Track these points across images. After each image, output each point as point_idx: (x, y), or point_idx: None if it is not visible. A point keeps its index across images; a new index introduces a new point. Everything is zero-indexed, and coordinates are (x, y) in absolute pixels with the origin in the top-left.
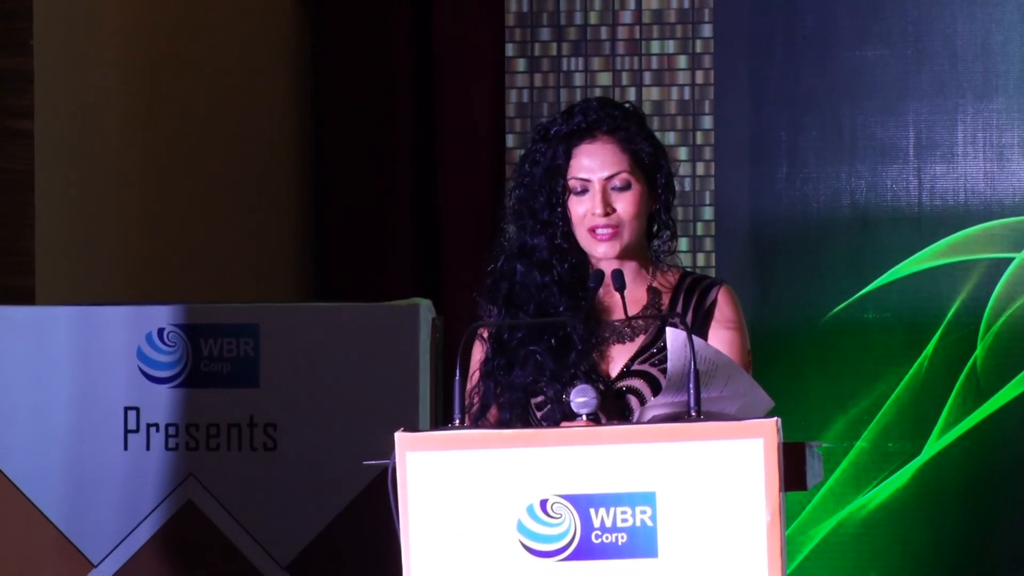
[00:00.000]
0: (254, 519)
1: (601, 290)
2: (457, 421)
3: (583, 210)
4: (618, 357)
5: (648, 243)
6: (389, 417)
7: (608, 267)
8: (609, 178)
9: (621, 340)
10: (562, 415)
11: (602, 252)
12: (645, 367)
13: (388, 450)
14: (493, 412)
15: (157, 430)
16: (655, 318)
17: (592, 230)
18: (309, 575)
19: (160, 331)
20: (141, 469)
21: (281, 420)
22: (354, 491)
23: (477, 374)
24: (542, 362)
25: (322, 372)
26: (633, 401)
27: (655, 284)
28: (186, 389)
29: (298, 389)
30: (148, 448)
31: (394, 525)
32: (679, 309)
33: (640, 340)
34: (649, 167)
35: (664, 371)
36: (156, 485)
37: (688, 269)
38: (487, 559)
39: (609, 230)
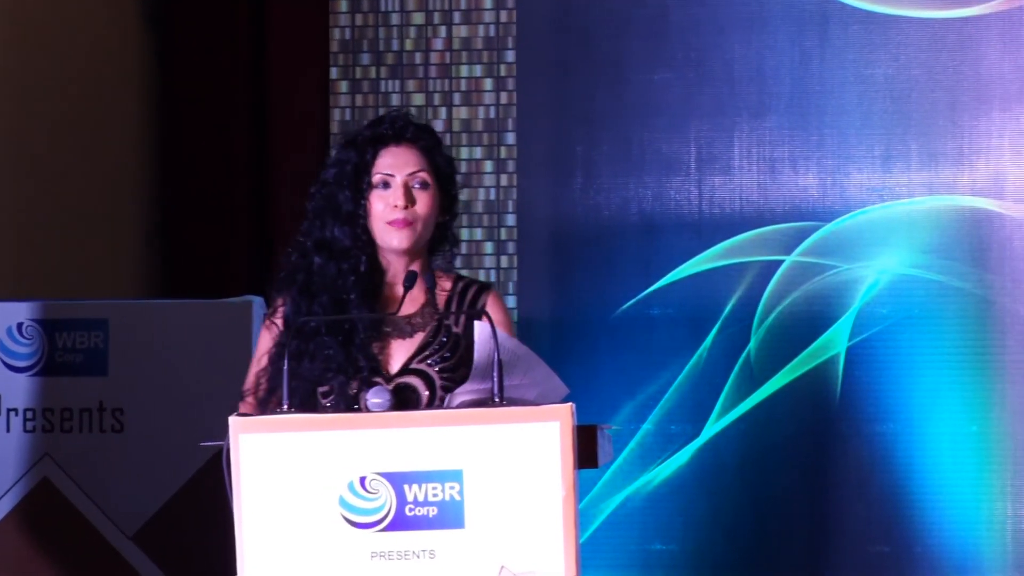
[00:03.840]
0: (103, 494)
1: (385, 288)
2: (286, 406)
3: (383, 204)
4: (398, 354)
5: (430, 251)
6: (224, 403)
7: (404, 268)
8: (411, 175)
9: (401, 336)
10: (347, 407)
11: (397, 242)
12: (422, 366)
13: (223, 432)
14: (279, 398)
15: (16, 414)
16: (464, 314)
17: (390, 222)
18: (152, 544)
19: (19, 325)
20: (1, 449)
21: (128, 405)
22: (192, 469)
23: (266, 358)
24: (331, 355)
25: (165, 362)
26: (410, 398)
27: (432, 286)
28: (42, 377)
29: (143, 377)
30: (8, 430)
31: (228, 500)
32: (453, 310)
33: (419, 338)
34: (443, 178)
35: (440, 371)
36: (15, 464)
37: (462, 274)
38: (312, 530)
39: (406, 222)
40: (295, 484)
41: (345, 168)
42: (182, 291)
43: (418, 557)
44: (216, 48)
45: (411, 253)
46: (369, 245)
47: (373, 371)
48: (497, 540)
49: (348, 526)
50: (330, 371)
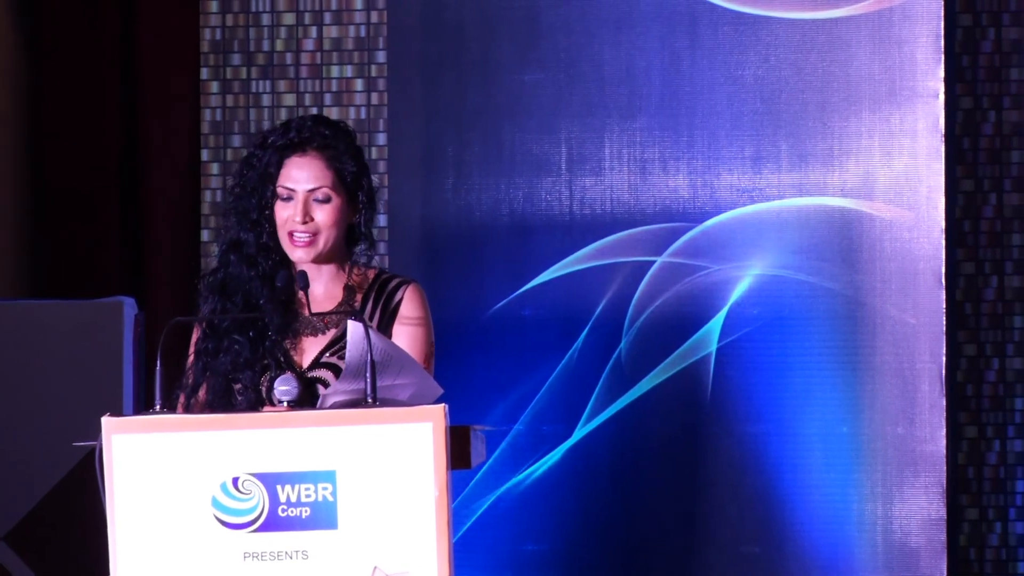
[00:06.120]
0: None
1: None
2: (158, 407)
3: (286, 216)
4: (309, 349)
5: (348, 248)
6: (97, 403)
7: (299, 267)
8: (312, 191)
9: (314, 333)
10: (256, 401)
11: (298, 257)
12: (333, 359)
13: (96, 433)
14: (202, 393)
15: None
16: (340, 313)
17: (291, 234)
18: (24, 544)
19: None
20: None
21: None
22: (65, 470)
23: (193, 356)
24: (240, 351)
25: (37, 362)
26: (321, 390)
27: (351, 283)
28: None
29: (14, 377)
30: None
31: (102, 500)
32: (369, 306)
33: (331, 334)
34: (351, 184)
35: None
36: None
37: (385, 270)
38: (185, 531)
39: (306, 236)
40: (168, 485)
41: (253, 173)
42: (52, 291)
43: (291, 558)
44: (86, 45)
45: (317, 261)
46: (275, 250)
47: (283, 366)
48: (370, 541)
49: (221, 527)
50: (237, 366)
